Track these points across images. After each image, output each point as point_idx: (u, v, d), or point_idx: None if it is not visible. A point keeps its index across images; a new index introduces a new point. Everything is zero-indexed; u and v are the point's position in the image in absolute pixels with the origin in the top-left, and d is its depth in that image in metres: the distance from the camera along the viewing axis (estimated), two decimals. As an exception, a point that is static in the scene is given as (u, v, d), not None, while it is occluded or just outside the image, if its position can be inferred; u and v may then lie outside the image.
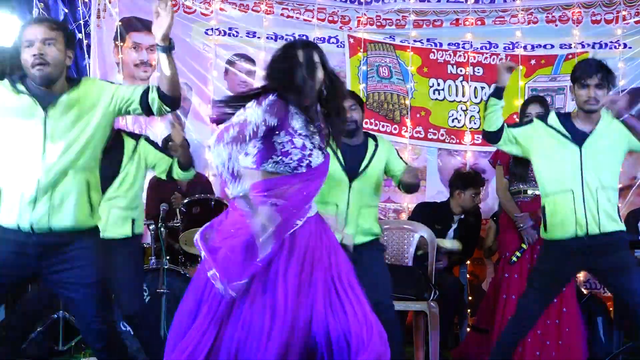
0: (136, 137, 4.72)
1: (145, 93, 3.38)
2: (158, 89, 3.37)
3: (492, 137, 4.29)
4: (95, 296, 3.42)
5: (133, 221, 4.56)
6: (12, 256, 3.31)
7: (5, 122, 3.29)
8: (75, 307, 3.50)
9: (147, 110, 3.40)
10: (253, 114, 3.03)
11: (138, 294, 4.65)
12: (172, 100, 3.40)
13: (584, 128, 4.10)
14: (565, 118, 4.18)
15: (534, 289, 4.25)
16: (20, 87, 3.29)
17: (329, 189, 4.03)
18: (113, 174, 4.50)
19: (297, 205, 3.08)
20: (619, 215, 4.22)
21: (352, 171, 4.37)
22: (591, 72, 4.07)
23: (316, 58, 3.20)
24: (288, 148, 3.07)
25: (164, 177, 4.78)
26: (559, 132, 4.12)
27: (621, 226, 4.17)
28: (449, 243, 5.52)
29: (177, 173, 4.70)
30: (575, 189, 4.06)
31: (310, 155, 3.12)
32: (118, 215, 4.50)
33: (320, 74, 3.18)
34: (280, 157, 3.08)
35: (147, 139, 4.77)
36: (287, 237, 3.05)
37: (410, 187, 4.51)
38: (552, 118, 4.18)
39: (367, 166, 4.42)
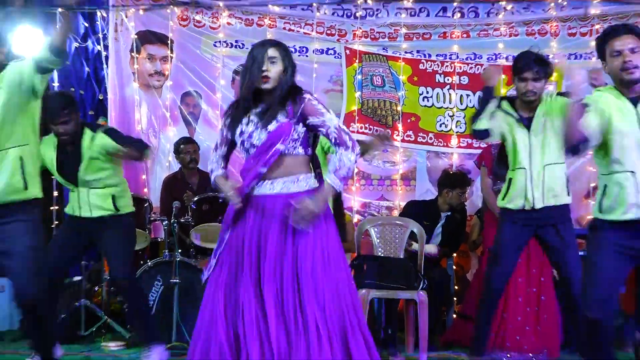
0: (95, 128, 4.69)
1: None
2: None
3: (483, 134, 4.32)
4: (27, 265, 3.50)
5: (113, 197, 4.60)
6: None
7: None
8: (11, 275, 3.60)
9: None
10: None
11: (126, 263, 4.64)
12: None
13: (527, 114, 4.20)
14: (512, 103, 4.26)
15: (495, 263, 4.29)
16: None
17: None
18: (78, 162, 4.53)
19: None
20: (568, 188, 4.29)
21: None
22: (528, 65, 4.14)
23: (270, 53, 3.23)
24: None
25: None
26: (512, 116, 4.21)
27: (565, 200, 4.25)
28: (429, 248, 5.54)
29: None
30: (527, 167, 4.16)
31: (250, 137, 3.22)
32: (97, 196, 4.56)
33: (268, 66, 3.20)
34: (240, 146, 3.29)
35: (108, 131, 4.68)
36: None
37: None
38: (505, 104, 4.26)
39: None
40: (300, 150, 3.22)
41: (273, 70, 3.18)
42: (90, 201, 4.56)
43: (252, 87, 3.20)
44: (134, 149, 4.53)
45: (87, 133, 4.57)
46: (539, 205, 4.14)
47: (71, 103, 4.58)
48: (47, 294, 3.73)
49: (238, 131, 3.24)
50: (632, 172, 3.19)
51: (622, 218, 3.21)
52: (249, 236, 3.12)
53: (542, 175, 4.15)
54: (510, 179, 4.29)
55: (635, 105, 3.23)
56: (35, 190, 3.64)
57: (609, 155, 3.26)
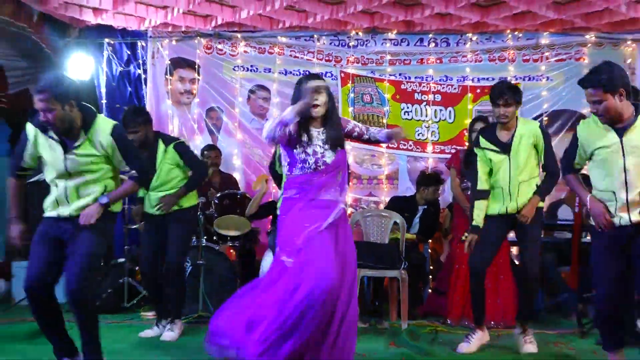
0: (167, 141, 4.56)
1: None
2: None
3: (484, 194, 4.21)
4: (83, 266, 3.23)
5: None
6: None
7: None
8: (66, 269, 3.29)
9: None
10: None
11: (180, 251, 4.56)
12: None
13: (505, 138, 4.14)
14: (490, 133, 4.21)
15: (479, 250, 4.24)
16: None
17: None
18: (153, 171, 4.40)
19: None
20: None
21: None
22: (499, 94, 4.13)
23: (313, 83, 3.22)
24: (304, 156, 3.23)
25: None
26: (491, 149, 4.16)
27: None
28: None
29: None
30: (504, 186, 4.14)
31: (323, 156, 3.24)
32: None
33: (315, 97, 3.21)
34: (300, 164, 3.24)
35: (177, 147, 4.55)
36: None
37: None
38: (482, 141, 4.20)
39: None
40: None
41: (320, 99, 3.25)
42: (153, 202, 4.50)
43: (305, 114, 3.20)
44: (197, 174, 4.61)
45: (161, 145, 4.50)
46: (513, 212, 4.14)
47: (141, 117, 4.47)
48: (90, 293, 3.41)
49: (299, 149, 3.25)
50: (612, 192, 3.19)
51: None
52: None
53: (517, 191, 4.12)
54: (490, 194, 4.22)
55: (620, 136, 3.18)
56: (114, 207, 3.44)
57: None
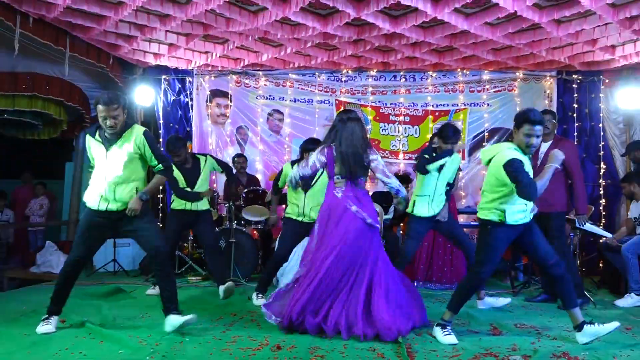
0: (203, 155, 4.65)
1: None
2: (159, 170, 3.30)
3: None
4: (153, 233, 3.25)
5: (207, 200, 4.60)
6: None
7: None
8: (144, 241, 3.25)
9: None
10: (314, 156, 3.36)
11: (214, 237, 4.60)
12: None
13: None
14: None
15: (410, 237, 4.16)
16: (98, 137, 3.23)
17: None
18: (197, 176, 4.48)
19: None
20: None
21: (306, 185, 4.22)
22: (452, 135, 4.03)
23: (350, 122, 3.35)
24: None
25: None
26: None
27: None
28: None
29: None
30: (430, 194, 4.09)
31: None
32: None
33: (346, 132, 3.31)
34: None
35: (210, 156, 4.68)
36: None
37: None
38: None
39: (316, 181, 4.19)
40: None
41: None
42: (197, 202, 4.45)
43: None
44: (230, 171, 4.84)
45: (202, 158, 4.57)
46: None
47: (180, 142, 4.52)
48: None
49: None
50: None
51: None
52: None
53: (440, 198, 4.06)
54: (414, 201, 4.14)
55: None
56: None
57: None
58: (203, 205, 4.53)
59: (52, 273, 5.61)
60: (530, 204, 3.05)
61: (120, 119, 3.12)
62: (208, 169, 4.61)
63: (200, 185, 4.51)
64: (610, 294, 4.61)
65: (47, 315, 3.24)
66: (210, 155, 4.79)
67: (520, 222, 3.03)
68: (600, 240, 4.98)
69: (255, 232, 5.77)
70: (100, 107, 3.09)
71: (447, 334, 3.07)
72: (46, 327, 3.18)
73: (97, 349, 2.87)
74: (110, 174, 3.17)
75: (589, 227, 4.30)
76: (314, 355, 2.77)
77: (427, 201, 4.04)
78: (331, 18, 4.85)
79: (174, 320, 3.15)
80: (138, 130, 3.23)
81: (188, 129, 6.54)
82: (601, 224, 5.70)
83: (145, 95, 6.23)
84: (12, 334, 3.14)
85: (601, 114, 6.10)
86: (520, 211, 3.02)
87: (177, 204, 4.49)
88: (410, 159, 6.45)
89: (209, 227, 4.56)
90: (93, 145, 3.23)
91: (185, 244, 5.79)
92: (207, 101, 6.56)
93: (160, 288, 3.29)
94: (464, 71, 6.37)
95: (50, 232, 7.69)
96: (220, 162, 4.76)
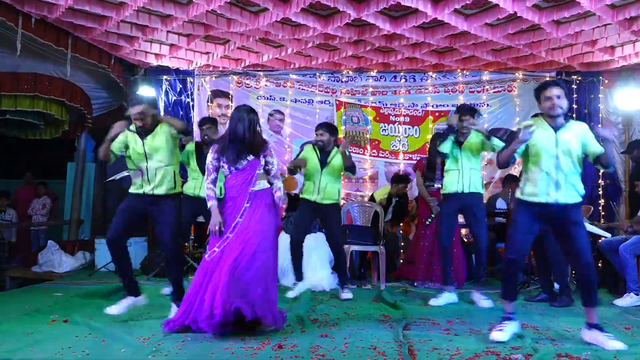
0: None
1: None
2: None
3: (443, 155, 4.22)
4: (172, 231, 3.45)
5: (220, 188, 4.49)
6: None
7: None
8: (161, 235, 3.49)
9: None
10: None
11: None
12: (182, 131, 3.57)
13: (461, 138, 4.18)
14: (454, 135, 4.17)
15: (442, 226, 4.23)
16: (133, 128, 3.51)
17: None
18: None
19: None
20: (482, 186, 4.28)
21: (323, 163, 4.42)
22: (464, 112, 4.16)
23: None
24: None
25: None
26: (454, 141, 4.18)
27: (480, 190, 4.22)
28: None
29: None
30: (459, 169, 4.16)
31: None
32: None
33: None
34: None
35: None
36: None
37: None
38: (453, 136, 4.18)
39: (330, 160, 4.42)
40: None
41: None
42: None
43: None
44: None
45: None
46: (467, 190, 4.15)
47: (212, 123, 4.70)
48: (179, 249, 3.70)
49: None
50: (547, 172, 3.00)
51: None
52: None
53: (468, 175, 4.15)
54: (445, 176, 4.26)
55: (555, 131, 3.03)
56: (179, 189, 3.59)
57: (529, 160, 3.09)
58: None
59: (53, 272, 5.61)
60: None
61: (150, 118, 3.46)
62: None
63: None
64: (609, 294, 4.60)
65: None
66: None
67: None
68: (599, 240, 4.97)
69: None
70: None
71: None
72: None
73: (99, 348, 2.87)
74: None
75: (587, 227, 4.30)
76: (315, 354, 2.76)
77: (454, 177, 4.17)
78: (332, 19, 4.85)
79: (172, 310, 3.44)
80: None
81: (189, 129, 6.54)
82: (600, 224, 5.70)
83: (146, 95, 6.23)
84: (14, 333, 3.13)
85: (600, 115, 6.11)
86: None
87: (188, 187, 4.54)
88: (410, 159, 6.46)
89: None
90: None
91: (186, 244, 5.78)
92: (208, 101, 6.56)
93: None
94: (464, 72, 6.37)
95: (52, 231, 7.69)
96: None
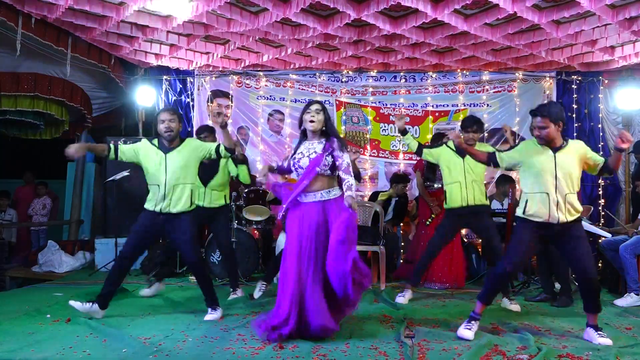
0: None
1: (217, 147, 3.54)
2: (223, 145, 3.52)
3: (418, 152, 4.29)
4: (191, 244, 3.50)
5: (225, 196, 4.47)
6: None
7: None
8: (180, 248, 3.61)
9: (217, 155, 3.55)
10: None
11: (228, 236, 4.52)
12: (230, 150, 3.53)
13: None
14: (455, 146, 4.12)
15: (439, 234, 4.23)
16: (155, 142, 3.52)
17: None
18: (214, 172, 4.40)
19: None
20: (486, 196, 4.22)
21: None
22: (469, 124, 4.12)
23: (313, 107, 3.24)
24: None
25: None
26: (454, 152, 4.13)
27: (485, 202, 4.18)
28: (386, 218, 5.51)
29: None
30: (462, 181, 4.09)
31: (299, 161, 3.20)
32: (217, 192, 4.40)
33: (312, 117, 3.22)
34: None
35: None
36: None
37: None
38: (450, 144, 4.17)
39: None
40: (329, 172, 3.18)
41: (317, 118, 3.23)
42: (212, 197, 4.37)
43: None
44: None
45: (223, 160, 4.41)
46: (471, 203, 4.09)
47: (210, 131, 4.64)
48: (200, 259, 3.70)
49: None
50: (547, 193, 3.07)
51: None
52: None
53: (472, 187, 4.08)
54: (446, 190, 4.18)
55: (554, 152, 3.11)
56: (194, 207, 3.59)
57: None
58: (219, 200, 4.42)
59: (53, 272, 5.61)
60: None
61: (176, 129, 3.50)
62: (228, 170, 4.49)
63: (212, 185, 4.40)
64: (609, 294, 4.60)
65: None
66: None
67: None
68: (600, 240, 4.98)
69: (256, 231, 5.75)
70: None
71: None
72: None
73: (100, 348, 2.87)
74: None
75: (587, 227, 4.30)
76: (316, 355, 2.76)
77: (457, 190, 4.11)
78: (332, 19, 4.85)
79: (207, 315, 3.54)
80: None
81: (189, 129, 6.53)
82: (600, 224, 5.70)
83: (146, 96, 6.23)
84: (15, 333, 3.13)
85: (600, 115, 6.12)
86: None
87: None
88: (410, 159, 6.45)
89: (224, 225, 4.44)
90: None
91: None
92: (208, 101, 6.55)
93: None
94: (464, 72, 6.36)
95: (52, 231, 7.68)
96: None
